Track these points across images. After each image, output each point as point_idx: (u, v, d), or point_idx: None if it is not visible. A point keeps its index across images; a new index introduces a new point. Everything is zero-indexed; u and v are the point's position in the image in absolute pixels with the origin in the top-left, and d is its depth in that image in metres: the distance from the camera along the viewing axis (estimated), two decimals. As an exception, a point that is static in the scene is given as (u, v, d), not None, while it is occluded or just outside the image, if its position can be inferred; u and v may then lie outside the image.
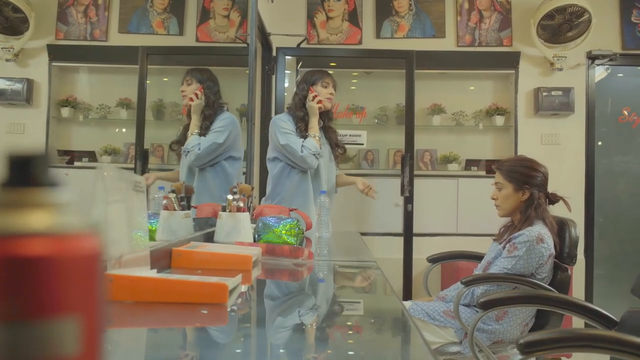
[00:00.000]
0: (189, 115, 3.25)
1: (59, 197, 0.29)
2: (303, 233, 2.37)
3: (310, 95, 3.56)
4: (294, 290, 1.69)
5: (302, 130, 3.54)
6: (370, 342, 1.18)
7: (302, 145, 3.45)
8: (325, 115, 3.70)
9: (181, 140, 3.26)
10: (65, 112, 2.98)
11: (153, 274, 1.34)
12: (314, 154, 3.45)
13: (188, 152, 3.12)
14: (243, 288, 1.49)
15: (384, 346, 1.17)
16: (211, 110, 3.24)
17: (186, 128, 3.26)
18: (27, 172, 0.28)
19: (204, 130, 3.19)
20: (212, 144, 3.17)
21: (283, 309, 1.43)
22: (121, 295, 1.16)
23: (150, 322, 1.15)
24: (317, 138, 3.51)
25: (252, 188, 2.42)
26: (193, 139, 3.16)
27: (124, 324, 1.13)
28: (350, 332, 1.24)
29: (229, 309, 1.19)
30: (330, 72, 5.13)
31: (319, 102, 3.54)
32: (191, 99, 3.17)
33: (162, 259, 1.62)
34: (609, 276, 5.25)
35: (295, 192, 3.55)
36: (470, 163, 5.15)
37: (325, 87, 3.59)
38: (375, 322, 1.40)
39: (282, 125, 3.53)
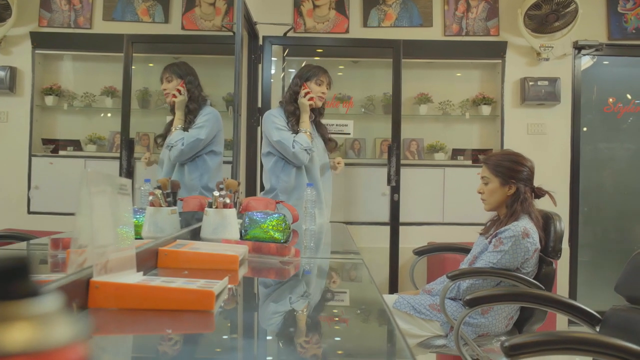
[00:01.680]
0: (172, 111, 3.24)
1: (43, 308, 0.28)
2: (290, 228, 2.37)
3: (303, 92, 3.57)
4: (280, 288, 1.69)
5: (294, 125, 3.57)
6: (349, 334, 1.20)
7: (294, 141, 3.48)
8: (317, 111, 3.72)
9: (165, 134, 3.25)
10: (50, 100, 2.95)
11: (139, 277, 1.33)
12: (306, 149, 3.48)
13: (172, 147, 3.11)
14: (230, 286, 1.49)
15: (362, 337, 1.20)
16: (195, 105, 3.24)
17: (170, 123, 3.25)
18: (7, 285, 0.27)
19: (187, 125, 3.18)
20: (195, 139, 3.18)
21: (269, 307, 1.43)
22: (107, 302, 1.15)
23: (135, 329, 1.14)
24: (308, 133, 3.53)
25: (239, 183, 2.41)
26: (176, 134, 3.15)
27: (109, 331, 1.12)
28: (331, 324, 1.26)
29: (215, 315, 1.19)
30: (316, 58, 5.15)
31: (310, 99, 3.56)
32: (174, 96, 3.16)
33: (149, 259, 1.61)
34: (593, 263, 5.31)
35: (292, 186, 3.57)
36: (456, 152, 5.17)
37: (319, 85, 3.60)
38: (356, 316, 1.41)
39: (275, 121, 3.56)
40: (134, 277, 1.30)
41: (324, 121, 3.97)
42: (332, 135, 4.02)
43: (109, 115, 3.21)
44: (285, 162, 3.58)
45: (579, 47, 5.01)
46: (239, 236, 2.18)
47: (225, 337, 1.15)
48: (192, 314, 1.17)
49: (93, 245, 1.15)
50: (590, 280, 5.23)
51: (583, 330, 1.98)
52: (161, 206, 2.01)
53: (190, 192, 3.04)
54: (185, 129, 3.16)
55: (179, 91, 3.16)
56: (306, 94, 3.57)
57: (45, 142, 2.95)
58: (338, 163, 3.84)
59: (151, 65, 3.58)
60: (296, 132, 3.55)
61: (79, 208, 1.16)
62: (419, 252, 3.28)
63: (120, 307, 1.16)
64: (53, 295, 0.29)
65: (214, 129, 3.29)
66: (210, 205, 2.15)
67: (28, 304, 0.27)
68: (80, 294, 1.12)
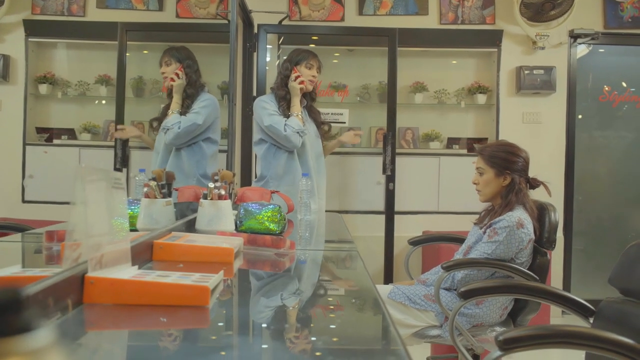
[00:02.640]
0: (169, 95, 3.23)
1: (37, 343, 0.27)
2: (285, 219, 2.37)
3: (293, 76, 3.56)
4: (275, 281, 1.70)
5: (285, 109, 3.56)
6: (343, 324, 1.22)
7: (285, 124, 3.47)
8: (308, 95, 3.70)
9: (161, 118, 3.24)
10: (43, 88, 2.93)
11: (134, 270, 1.33)
12: (298, 132, 3.47)
13: (168, 129, 3.10)
14: (225, 278, 1.49)
15: (355, 327, 1.22)
16: (193, 90, 3.23)
17: (167, 107, 3.23)
18: (1, 321, 0.26)
19: (184, 109, 3.17)
20: (192, 124, 3.17)
21: (264, 300, 1.43)
22: (102, 298, 1.15)
23: (131, 325, 1.14)
24: (299, 117, 3.52)
25: (234, 174, 2.41)
26: (173, 117, 3.14)
27: (104, 326, 1.12)
28: (326, 315, 1.27)
29: (210, 310, 1.19)
30: (311, 45, 5.12)
31: (301, 82, 3.55)
32: (172, 79, 3.14)
33: (144, 252, 1.61)
34: (587, 251, 5.33)
35: (283, 172, 3.56)
36: (451, 141, 5.17)
37: (309, 69, 3.59)
38: (350, 306, 1.43)
39: (265, 107, 3.54)
40: (129, 271, 1.30)
41: (318, 109, 3.92)
42: (330, 123, 4.01)
43: (104, 102, 3.19)
44: (277, 148, 3.57)
45: (574, 36, 5.00)
46: (234, 227, 2.18)
47: (220, 332, 1.15)
48: (188, 309, 1.17)
49: (88, 240, 1.15)
50: (584, 268, 5.26)
51: (576, 319, 1.99)
52: (156, 198, 2.01)
53: (187, 179, 3.04)
54: (182, 114, 3.16)
55: (177, 75, 3.15)
56: (296, 77, 3.56)
57: (40, 130, 2.93)
58: (356, 134, 3.95)
59: (146, 52, 3.56)
60: (287, 116, 3.54)
61: (73, 203, 1.15)
62: (414, 242, 3.28)
63: (116, 302, 1.16)
64: (47, 330, 0.29)
65: (212, 115, 3.28)
66: (205, 197, 2.15)
67: (22, 339, 0.27)
68: (75, 290, 1.12)
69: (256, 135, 3.68)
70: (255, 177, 3.96)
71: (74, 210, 1.16)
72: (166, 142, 3.14)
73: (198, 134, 3.25)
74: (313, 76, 3.63)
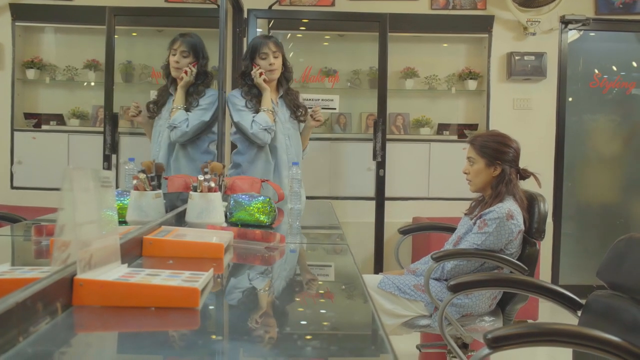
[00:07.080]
0: (166, 77, 3.18)
1: None
2: (275, 210, 2.37)
3: (254, 71, 3.42)
4: (264, 275, 1.70)
5: (256, 103, 3.44)
6: (331, 315, 1.26)
7: (253, 121, 3.36)
8: (283, 80, 3.55)
9: (158, 101, 3.20)
10: (31, 73, 2.91)
11: (124, 269, 1.33)
12: (265, 129, 3.36)
13: (174, 127, 3.05)
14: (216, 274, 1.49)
15: (343, 318, 1.27)
16: (202, 87, 3.17)
17: (164, 90, 3.18)
18: None
19: (188, 105, 3.12)
20: (199, 122, 3.12)
21: (254, 296, 1.43)
22: (91, 300, 1.15)
23: (120, 327, 1.14)
24: (269, 112, 3.40)
25: (224, 166, 2.40)
26: (180, 115, 3.08)
27: (93, 328, 1.12)
28: (315, 307, 1.28)
29: (200, 310, 1.19)
30: (302, 28, 5.09)
31: (260, 74, 3.41)
32: (186, 72, 3.08)
33: (134, 248, 1.60)
34: (575, 235, 5.37)
35: (253, 165, 3.45)
36: (442, 127, 5.17)
37: (264, 59, 3.43)
38: (338, 297, 1.46)
39: (235, 102, 3.44)
40: (119, 270, 1.29)
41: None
42: (306, 106, 3.72)
43: (92, 86, 3.17)
44: (250, 142, 3.44)
45: (565, 22, 4.99)
46: (224, 220, 2.18)
47: (210, 333, 1.15)
48: (178, 311, 1.17)
49: (77, 241, 1.15)
50: (573, 253, 5.29)
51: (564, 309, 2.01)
52: (145, 190, 2.00)
53: (193, 173, 3.01)
54: (187, 109, 3.11)
55: (187, 72, 3.09)
56: (256, 71, 3.41)
57: (28, 116, 2.92)
58: (314, 112, 3.57)
59: (135, 34, 3.53)
60: (258, 110, 3.40)
61: (61, 204, 1.15)
62: (404, 231, 3.29)
63: (105, 304, 1.16)
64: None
65: (218, 109, 3.26)
66: (195, 189, 2.14)
67: None
68: (64, 293, 1.12)
69: (232, 127, 3.60)
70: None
71: (62, 211, 1.15)
72: (173, 140, 3.10)
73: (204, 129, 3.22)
74: (270, 64, 3.43)
